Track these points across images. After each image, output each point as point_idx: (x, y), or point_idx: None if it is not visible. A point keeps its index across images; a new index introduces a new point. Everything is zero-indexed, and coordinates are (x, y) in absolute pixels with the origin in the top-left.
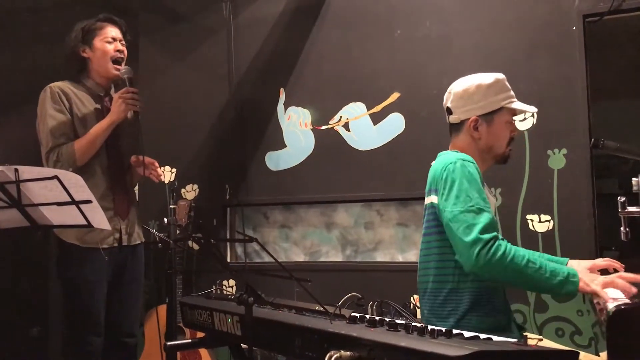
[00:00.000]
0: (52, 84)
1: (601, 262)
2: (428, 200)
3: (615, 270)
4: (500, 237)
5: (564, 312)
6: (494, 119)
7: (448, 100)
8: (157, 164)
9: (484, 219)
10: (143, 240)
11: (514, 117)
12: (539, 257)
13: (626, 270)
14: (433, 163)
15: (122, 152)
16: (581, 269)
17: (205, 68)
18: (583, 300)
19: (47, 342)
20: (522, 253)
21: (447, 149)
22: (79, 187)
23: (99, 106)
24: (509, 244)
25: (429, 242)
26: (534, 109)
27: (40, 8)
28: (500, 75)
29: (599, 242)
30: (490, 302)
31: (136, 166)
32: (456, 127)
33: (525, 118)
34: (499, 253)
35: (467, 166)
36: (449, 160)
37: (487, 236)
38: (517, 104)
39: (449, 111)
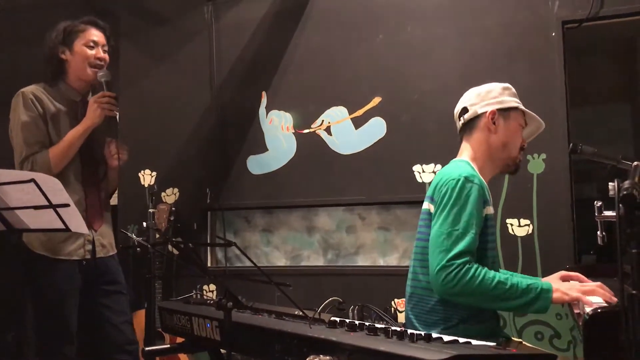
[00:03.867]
0: (24, 89)
1: (571, 273)
2: (426, 205)
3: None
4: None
5: (543, 315)
6: (510, 115)
7: (462, 102)
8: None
9: (462, 243)
10: (115, 251)
11: None
12: (511, 276)
13: (602, 274)
14: (443, 167)
15: (96, 161)
16: (554, 279)
17: (186, 71)
18: (562, 304)
19: (22, 347)
20: (492, 275)
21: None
22: (56, 190)
23: (74, 112)
24: (479, 267)
25: (424, 249)
26: (543, 125)
27: (19, 9)
28: (511, 86)
29: (578, 246)
30: (480, 313)
31: (109, 157)
32: (470, 126)
33: None
34: (466, 277)
35: (467, 187)
36: (453, 176)
37: (457, 262)
38: (529, 112)
39: (464, 111)
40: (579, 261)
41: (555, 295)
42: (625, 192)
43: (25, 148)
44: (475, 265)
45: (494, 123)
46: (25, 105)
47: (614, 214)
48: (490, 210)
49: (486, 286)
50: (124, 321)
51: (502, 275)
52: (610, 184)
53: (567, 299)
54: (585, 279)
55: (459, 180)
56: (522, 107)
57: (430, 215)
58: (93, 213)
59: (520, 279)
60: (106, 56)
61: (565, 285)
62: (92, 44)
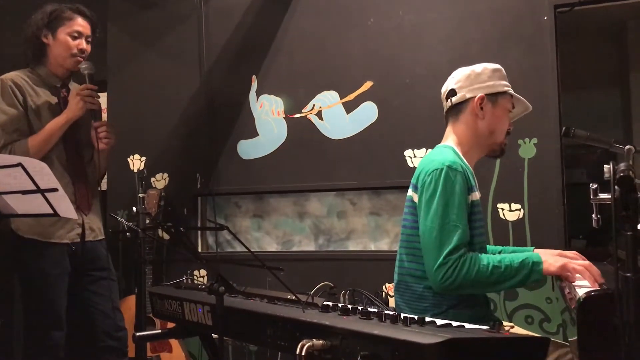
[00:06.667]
0: (3, 76)
1: (569, 253)
2: (410, 192)
3: None
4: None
5: (533, 299)
6: (499, 101)
7: (451, 83)
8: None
9: (455, 238)
10: (104, 236)
11: None
12: (502, 257)
13: (592, 258)
14: (427, 154)
15: (81, 145)
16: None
17: (175, 55)
18: (552, 288)
19: (11, 334)
20: (486, 262)
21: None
22: (44, 174)
23: (55, 98)
24: (473, 257)
25: (410, 236)
26: (530, 107)
27: None
28: (501, 67)
29: (568, 231)
30: (470, 298)
31: (95, 140)
32: (457, 109)
33: None
34: (464, 270)
35: (451, 177)
36: (436, 165)
37: (453, 257)
38: (517, 96)
39: (452, 93)
40: (569, 246)
41: (543, 266)
42: (622, 174)
43: (3, 136)
44: (469, 256)
45: (482, 109)
46: (3, 92)
47: (610, 196)
48: (475, 196)
49: (483, 274)
50: (112, 307)
51: (495, 258)
52: (605, 166)
53: (552, 270)
54: (583, 258)
55: (442, 169)
56: (511, 91)
57: (414, 204)
58: (81, 198)
59: (512, 257)
60: (88, 47)
61: (552, 258)
62: (76, 34)
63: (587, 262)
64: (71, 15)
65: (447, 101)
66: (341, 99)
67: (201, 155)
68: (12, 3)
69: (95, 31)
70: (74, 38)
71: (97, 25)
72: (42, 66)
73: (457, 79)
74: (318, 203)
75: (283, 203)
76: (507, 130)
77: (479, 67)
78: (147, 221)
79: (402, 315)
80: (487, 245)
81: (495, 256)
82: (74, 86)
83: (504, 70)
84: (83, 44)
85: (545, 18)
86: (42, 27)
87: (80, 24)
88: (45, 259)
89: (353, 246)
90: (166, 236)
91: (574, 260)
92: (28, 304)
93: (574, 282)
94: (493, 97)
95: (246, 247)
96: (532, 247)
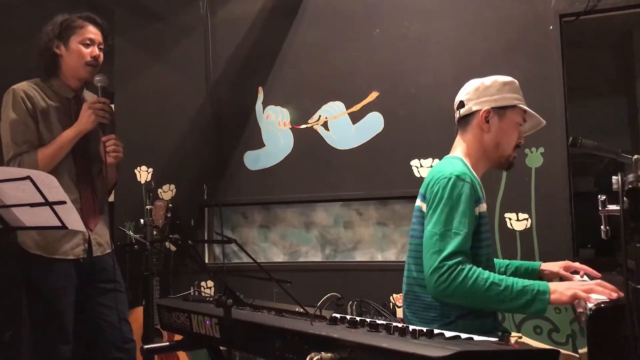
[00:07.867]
0: (16, 86)
1: (575, 264)
2: (418, 202)
3: (588, 275)
4: (465, 261)
5: None
6: (506, 114)
7: (461, 95)
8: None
9: (455, 244)
10: (112, 249)
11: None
12: (506, 277)
13: (601, 268)
14: (435, 164)
15: (90, 159)
16: (556, 270)
17: (182, 67)
18: None
19: (19, 347)
20: (486, 276)
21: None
22: (52, 187)
23: (66, 110)
24: (473, 268)
25: (418, 246)
26: (543, 122)
27: (12, 4)
28: (514, 80)
29: (576, 240)
30: (477, 309)
31: (104, 155)
32: (465, 121)
33: None
34: (459, 279)
35: (458, 186)
36: (444, 174)
37: (449, 262)
38: (528, 110)
39: (461, 105)
40: (577, 255)
41: (553, 296)
42: (630, 186)
43: (13, 147)
44: (469, 266)
45: (488, 122)
46: (14, 103)
47: (618, 208)
48: (483, 207)
49: (479, 287)
50: (120, 319)
51: (497, 276)
52: (613, 177)
53: (564, 300)
54: (590, 269)
55: (450, 178)
56: (522, 104)
57: (422, 213)
58: (88, 212)
59: (517, 280)
60: (101, 55)
61: (562, 285)
62: (88, 42)
63: (594, 282)
64: (82, 24)
65: (457, 112)
66: (347, 109)
67: (208, 166)
68: (22, 14)
69: (106, 38)
70: (87, 46)
71: (108, 33)
72: (55, 78)
73: (466, 91)
74: (324, 213)
75: (290, 213)
76: (516, 143)
77: (488, 80)
78: (155, 233)
79: (411, 327)
80: (495, 259)
81: (500, 275)
82: (87, 95)
83: (517, 83)
84: (96, 51)
85: (551, 27)
86: (54, 38)
87: (92, 31)
88: (52, 272)
89: (360, 256)
90: (173, 248)
91: (582, 284)
92: (35, 317)
93: (590, 302)
94: (500, 110)
95: (253, 260)
96: (539, 263)
